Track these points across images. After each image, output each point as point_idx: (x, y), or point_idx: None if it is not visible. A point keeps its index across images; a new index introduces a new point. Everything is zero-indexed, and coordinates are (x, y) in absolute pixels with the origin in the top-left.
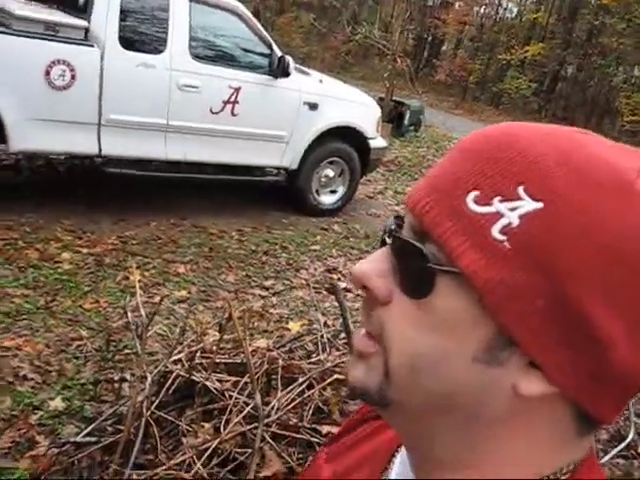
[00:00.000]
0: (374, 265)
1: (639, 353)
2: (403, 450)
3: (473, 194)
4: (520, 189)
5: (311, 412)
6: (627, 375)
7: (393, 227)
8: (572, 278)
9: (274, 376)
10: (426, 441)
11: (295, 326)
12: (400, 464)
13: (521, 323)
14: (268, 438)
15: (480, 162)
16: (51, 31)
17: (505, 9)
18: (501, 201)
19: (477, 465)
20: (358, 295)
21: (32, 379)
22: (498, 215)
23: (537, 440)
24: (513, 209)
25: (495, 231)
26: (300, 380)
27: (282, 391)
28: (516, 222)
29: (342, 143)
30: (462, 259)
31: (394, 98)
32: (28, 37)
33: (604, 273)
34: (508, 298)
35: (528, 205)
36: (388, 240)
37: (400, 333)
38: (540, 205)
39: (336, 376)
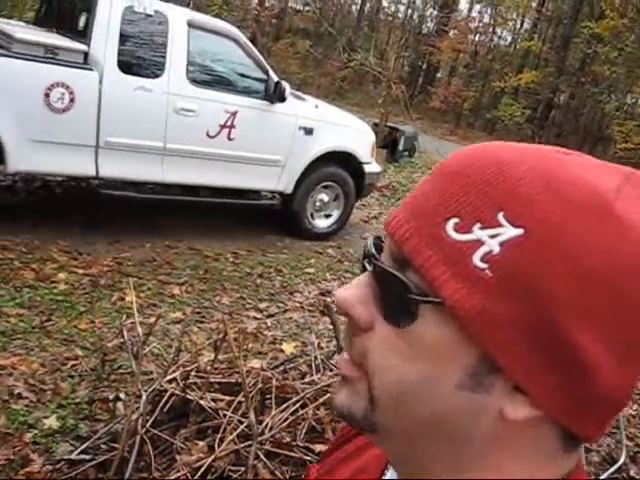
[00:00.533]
0: (355, 291)
1: (622, 373)
2: None
3: (452, 221)
4: (500, 215)
5: (304, 431)
6: (611, 395)
7: (373, 252)
8: (555, 304)
9: (268, 395)
10: (415, 464)
11: (289, 348)
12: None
13: (505, 350)
14: (262, 456)
15: (459, 186)
16: (51, 54)
17: (499, 37)
18: (481, 228)
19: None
20: None
21: (27, 397)
22: (479, 243)
23: (523, 460)
24: (494, 236)
25: (476, 259)
26: (294, 399)
27: (276, 410)
28: (497, 249)
29: (337, 168)
30: (444, 289)
31: (389, 124)
32: (28, 60)
33: (586, 297)
34: (491, 326)
35: (508, 232)
36: (368, 267)
37: (383, 360)
38: (520, 231)
39: (329, 395)
